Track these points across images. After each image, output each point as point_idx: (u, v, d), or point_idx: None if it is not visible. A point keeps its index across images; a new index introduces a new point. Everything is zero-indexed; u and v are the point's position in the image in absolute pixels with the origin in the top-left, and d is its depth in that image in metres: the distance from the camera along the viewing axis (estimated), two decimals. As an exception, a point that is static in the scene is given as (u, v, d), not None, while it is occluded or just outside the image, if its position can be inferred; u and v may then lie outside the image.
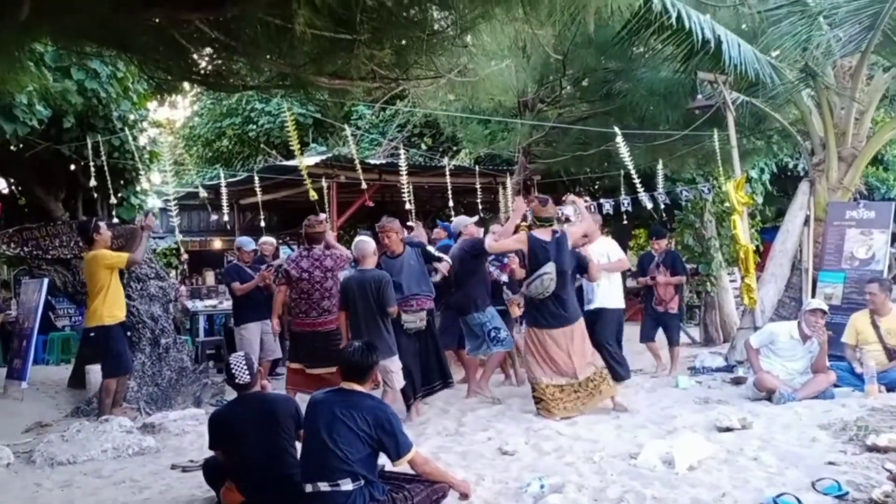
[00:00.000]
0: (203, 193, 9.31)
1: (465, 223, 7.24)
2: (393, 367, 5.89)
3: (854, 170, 8.35)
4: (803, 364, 6.21)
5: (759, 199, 13.83)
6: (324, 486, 3.48)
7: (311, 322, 6.38)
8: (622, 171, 9.20)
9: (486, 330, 6.66)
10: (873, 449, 4.33)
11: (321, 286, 6.38)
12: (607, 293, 7.04)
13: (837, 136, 8.27)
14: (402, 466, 3.77)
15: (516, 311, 7.24)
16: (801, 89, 8.45)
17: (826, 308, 6.26)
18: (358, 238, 6.44)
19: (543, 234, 6.01)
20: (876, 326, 6.47)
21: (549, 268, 5.80)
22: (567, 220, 7.19)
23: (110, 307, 6.39)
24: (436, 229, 8.56)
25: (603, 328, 6.85)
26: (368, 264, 6.04)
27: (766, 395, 6.06)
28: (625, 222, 9.13)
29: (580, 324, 6.06)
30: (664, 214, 10.64)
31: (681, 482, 3.99)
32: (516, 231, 6.33)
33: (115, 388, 6.45)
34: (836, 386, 6.10)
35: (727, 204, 8.78)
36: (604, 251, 7.13)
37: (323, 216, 7.06)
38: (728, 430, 5.06)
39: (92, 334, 6.52)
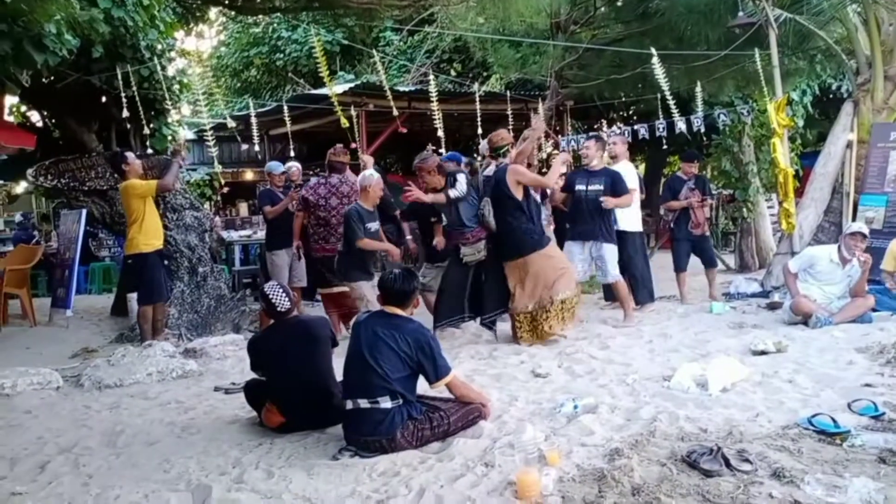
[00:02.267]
0: (231, 124, 9.28)
1: (481, 149, 7.28)
2: (363, 293, 5.97)
3: (901, 89, 8.02)
4: (841, 288, 6.11)
5: (800, 123, 13.38)
6: (363, 403, 3.58)
7: (330, 248, 6.66)
8: (658, 95, 8.92)
9: None
10: (912, 371, 4.29)
11: (338, 213, 6.59)
12: (625, 216, 7.06)
13: (884, 53, 7.92)
14: (439, 390, 3.86)
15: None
16: (847, 4, 8.06)
17: (867, 231, 6.12)
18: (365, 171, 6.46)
19: (491, 169, 6.07)
20: None
21: (484, 203, 5.92)
22: (614, 156, 7.11)
23: (147, 235, 6.51)
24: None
25: (625, 251, 6.92)
26: (364, 198, 6.14)
27: (802, 319, 6.00)
28: (664, 147, 8.89)
29: (537, 255, 5.90)
30: (703, 138, 10.37)
31: (714, 403, 4.01)
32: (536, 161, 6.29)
33: (153, 314, 6.62)
34: (874, 310, 6.01)
35: (766, 127, 8.53)
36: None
37: (353, 145, 7.11)
38: (763, 353, 5.05)
39: (130, 261, 6.68)
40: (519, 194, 5.88)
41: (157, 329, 6.66)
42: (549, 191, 6.87)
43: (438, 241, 6.19)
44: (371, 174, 6.24)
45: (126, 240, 6.69)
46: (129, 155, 6.71)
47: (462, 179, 6.05)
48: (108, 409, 4.90)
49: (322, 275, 6.89)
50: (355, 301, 6.20)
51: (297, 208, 7.10)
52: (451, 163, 7.22)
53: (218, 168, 8.47)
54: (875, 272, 6.51)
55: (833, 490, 2.76)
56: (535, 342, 5.93)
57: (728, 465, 3.02)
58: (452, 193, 5.99)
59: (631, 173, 7.25)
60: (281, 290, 4.18)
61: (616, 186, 6.55)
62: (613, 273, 6.58)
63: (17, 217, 14.64)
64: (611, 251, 6.57)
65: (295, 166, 8.45)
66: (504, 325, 6.38)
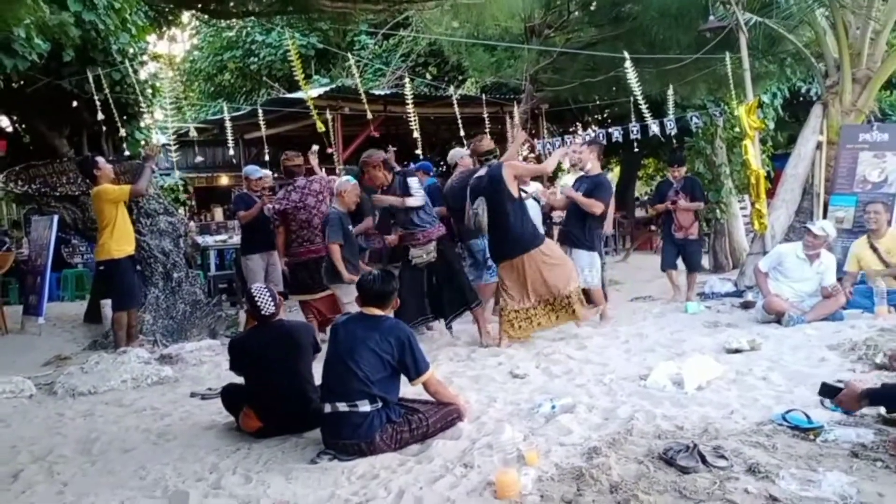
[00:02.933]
0: (193, 133, 9.22)
1: (460, 155, 7.32)
2: (345, 299, 5.92)
3: (868, 92, 8.18)
4: (812, 285, 6.22)
5: (771, 125, 13.61)
6: (342, 407, 3.57)
7: (316, 248, 6.58)
8: (631, 98, 9.03)
9: (483, 257, 6.76)
10: (882, 367, 4.38)
11: (318, 210, 6.60)
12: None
13: (852, 56, 8.07)
14: (417, 392, 3.87)
15: None
16: (815, 8, 8.21)
17: (816, 230, 6.18)
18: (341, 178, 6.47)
19: (482, 171, 5.98)
20: (875, 249, 6.47)
21: (478, 203, 5.75)
22: (583, 167, 7.16)
23: (119, 241, 6.44)
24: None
25: None
26: (339, 203, 6.13)
27: (775, 318, 6.09)
28: (636, 150, 8.99)
29: (533, 255, 5.85)
30: (675, 142, 10.50)
31: (690, 401, 4.06)
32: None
33: (127, 321, 6.55)
34: (845, 308, 6.11)
35: (738, 129, 8.65)
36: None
37: (329, 150, 7.12)
38: (737, 351, 5.12)
39: (102, 268, 6.62)
40: (515, 191, 5.86)
41: (132, 335, 6.59)
42: (543, 200, 6.97)
43: (391, 238, 6.15)
44: (347, 179, 6.26)
45: (97, 245, 6.60)
46: (100, 160, 6.64)
47: (415, 184, 5.95)
48: (83, 416, 4.84)
49: (304, 282, 6.73)
50: (336, 307, 6.19)
51: (275, 225, 7.00)
52: (420, 171, 7.26)
53: (177, 174, 8.41)
54: (840, 272, 6.62)
55: (807, 484, 2.80)
56: (520, 339, 5.93)
57: (704, 461, 3.05)
58: (411, 202, 5.89)
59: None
60: (267, 293, 4.15)
61: (594, 192, 6.60)
62: (587, 278, 6.57)
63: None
64: (583, 257, 6.60)
65: (266, 174, 8.41)
66: (471, 328, 6.38)
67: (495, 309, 7.37)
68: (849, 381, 3.67)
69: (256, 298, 4.11)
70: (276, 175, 9.23)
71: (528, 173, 6.08)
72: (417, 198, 5.91)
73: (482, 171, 5.97)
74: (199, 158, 14.44)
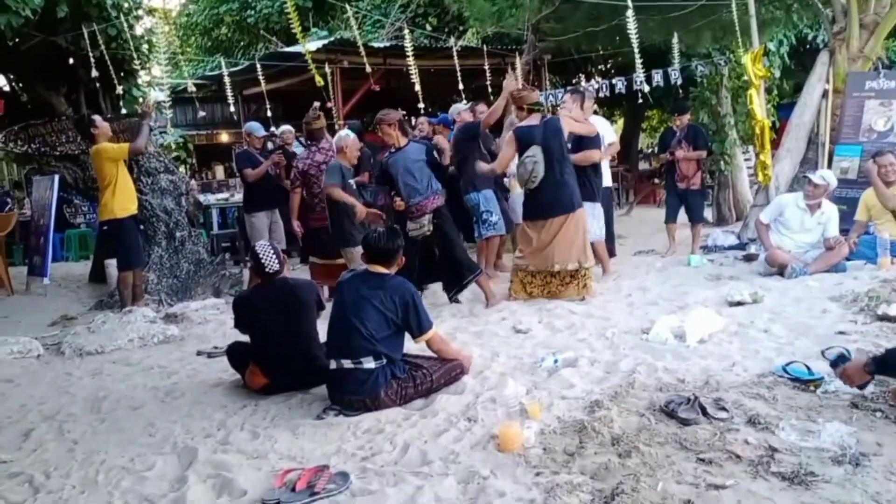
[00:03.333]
0: (192, 88, 9.11)
1: (458, 111, 7.32)
2: (352, 265, 5.88)
3: (876, 38, 8.02)
4: (814, 237, 6.20)
5: (777, 73, 13.39)
6: (347, 364, 3.60)
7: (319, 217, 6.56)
8: (636, 48, 8.87)
9: (479, 212, 6.72)
10: (884, 318, 4.38)
11: (318, 181, 6.53)
12: None
13: (860, 1, 7.90)
14: (421, 349, 3.90)
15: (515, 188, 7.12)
16: (824, -48, 8.01)
17: (821, 181, 6.13)
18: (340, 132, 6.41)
19: (531, 121, 5.67)
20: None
21: (534, 150, 5.47)
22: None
23: (121, 200, 6.39)
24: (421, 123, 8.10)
25: None
26: (342, 158, 6.11)
27: (777, 270, 6.09)
28: (640, 101, 8.87)
29: (575, 215, 5.68)
30: (680, 91, 10.35)
31: (691, 354, 4.09)
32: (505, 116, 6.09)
33: (133, 280, 6.56)
34: (847, 259, 6.10)
35: (744, 78, 8.51)
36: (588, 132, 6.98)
37: (329, 104, 7.05)
38: (739, 304, 5.13)
39: (105, 228, 6.59)
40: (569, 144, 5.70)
41: (137, 295, 6.62)
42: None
43: (398, 203, 6.05)
44: (347, 134, 6.20)
45: (99, 205, 6.58)
46: (97, 118, 6.56)
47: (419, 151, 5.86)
48: (91, 375, 4.90)
49: (325, 244, 6.63)
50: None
51: (293, 186, 6.91)
52: (441, 126, 7.20)
53: (171, 132, 8.36)
54: (849, 222, 6.60)
55: (807, 435, 2.84)
56: (546, 297, 5.80)
57: (705, 413, 3.09)
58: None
59: (606, 127, 7.21)
60: (271, 251, 4.15)
61: (582, 143, 6.46)
62: (597, 232, 6.52)
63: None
64: (585, 208, 6.54)
65: (289, 130, 8.35)
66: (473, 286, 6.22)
67: (498, 263, 7.40)
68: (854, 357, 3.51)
69: (261, 256, 4.11)
70: (272, 132, 9.17)
71: (582, 132, 6.01)
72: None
73: (534, 121, 5.65)
74: (201, 114, 14.34)
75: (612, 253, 7.34)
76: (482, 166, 6.09)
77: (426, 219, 5.81)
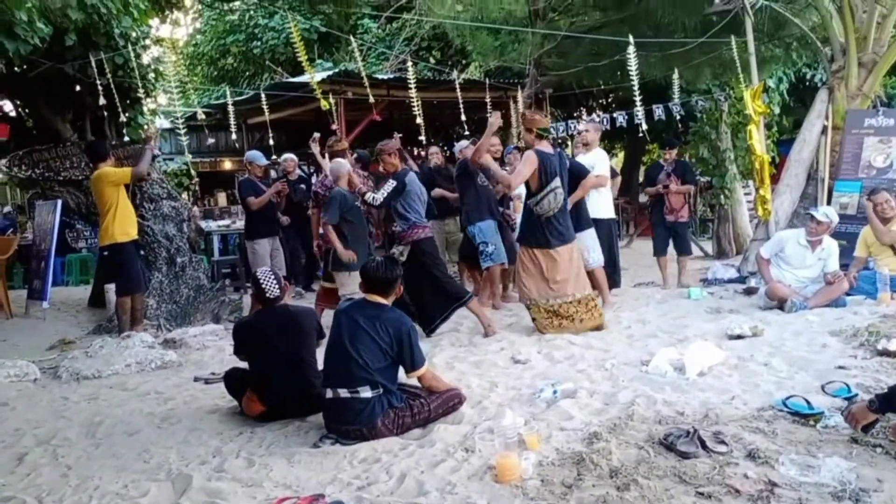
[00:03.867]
0: (201, 115, 9.21)
1: (463, 146, 7.44)
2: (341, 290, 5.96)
3: (874, 76, 8.13)
4: (814, 272, 6.21)
5: (776, 110, 13.54)
6: (344, 393, 3.59)
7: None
8: (636, 83, 8.98)
9: (476, 244, 6.82)
10: (884, 353, 4.37)
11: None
12: (597, 203, 7.06)
13: (858, 41, 8.02)
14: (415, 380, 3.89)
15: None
16: (822, -9, 8.14)
17: (820, 216, 6.15)
18: (334, 160, 6.49)
19: (547, 148, 5.71)
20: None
21: (557, 182, 5.56)
22: (587, 144, 7.12)
23: (122, 225, 6.41)
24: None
25: (599, 239, 6.91)
26: (341, 184, 6.19)
27: (777, 304, 6.09)
28: (640, 135, 8.92)
29: (577, 241, 5.90)
30: (679, 126, 10.45)
31: (691, 387, 4.07)
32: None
33: (131, 305, 6.55)
34: (848, 294, 6.10)
35: (744, 113, 8.60)
36: (591, 162, 7.08)
37: (316, 138, 7.19)
38: (739, 337, 5.12)
39: (105, 253, 6.59)
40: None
41: (136, 319, 6.60)
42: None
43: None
44: (339, 163, 6.31)
45: (100, 230, 6.59)
46: (104, 143, 6.62)
47: (388, 188, 5.82)
48: (87, 400, 4.87)
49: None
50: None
51: (313, 206, 7.12)
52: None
53: (188, 157, 8.42)
54: (848, 257, 6.62)
55: (807, 470, 2.81)
56: (576, 331, 5.71)
57: (704, 446, 3.06)
58: (368, 197, 5.88)
59: (603, 160, 7.24)
60: (272, 277, 4.18)
61: (597, 168, 6.78)
62: (593, 257, 6.57)
63: (6, 208, 14.45)
64: (589, 236, 6.58)
65: (291, 158, 8.48)
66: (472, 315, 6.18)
67: (506, 295, 7.41)
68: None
69: (262, 282, 4.13)
70: (274, 160, 9.28)
71: (484, 147, 6.03)
72: (378, 195, 5.86)
73: (550, 149, 5.69)
74: (210, 141, 14.46)
75: (616, 284, 7.39)
76: (499, 173, 6.14)
77: (400, 248, 5.93)
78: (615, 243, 7.61)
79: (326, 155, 7.27)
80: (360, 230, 6.24)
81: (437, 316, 5.96)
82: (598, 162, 7.09)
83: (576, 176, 6.42)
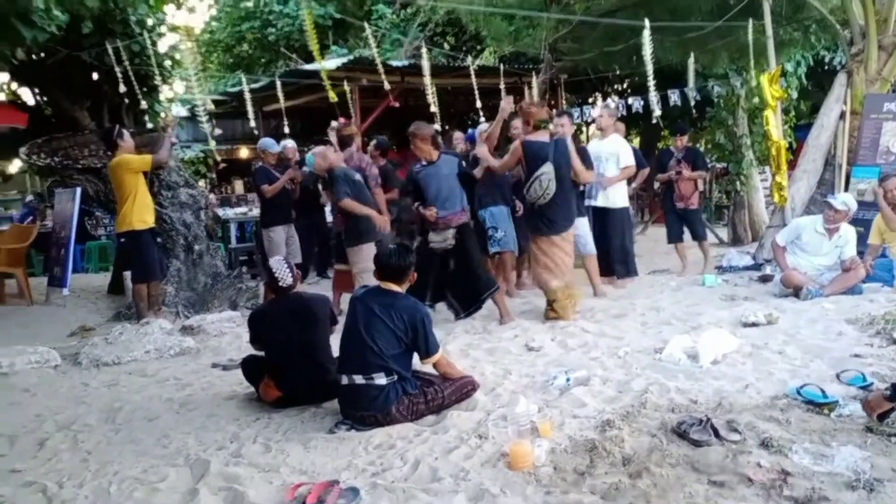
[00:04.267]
0: (210, 106, 9.23)
1: (483, 129, 7.35)
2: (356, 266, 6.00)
3: (894, 60, 7.99)
4: (831, 259, 6.17)
5: (794, 94, 13.34)
6: (359, 379, 3.62)
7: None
8: (650, 69, 8.90)
9: (485, 228, 6.77)
10: (900, 342, 4.35)
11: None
12: (613, 193, 7.11)
13: (878, 23, 7.89)
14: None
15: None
16: (842, -28, 8.02)
17: (837, 204, 6.09)
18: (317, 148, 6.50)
19: (540, 136, 5.75)
20: None
21: (547, 168, 5.58)
22: (602, 129, 7.09)
23: (140, 212, 6.45)
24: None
25: (612, 228, 7.11)
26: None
27: (793, 291, 6.05)
28: (654, 122, 8.86)
29: (574, 225, 5.99)
30: (695, 112, 10.36)
31: (705, 375, 4.07)
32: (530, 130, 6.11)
33: (148, 292, 6.62)
34: (864, 282, 6.05)
35: (760, 99, 8.50)
36: (613, 151, 7.11)
37: (342, 121, 7.20)
38: (754, 325, 5.11)
39: (122, 240, 6.65)
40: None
41: (154, 305, 6.67)
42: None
43: (431, 212, 6.05)
44: (322, 150, 6.36)
45: (117, 217, 6.63)
46: (125, 131, 6.64)
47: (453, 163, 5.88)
48: (107, 386, 4.95)
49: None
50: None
51: (323, 188, 7.13)
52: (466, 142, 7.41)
53: (212, 144, 8.46)
54: (862, 244, 6.56)
55: (820, 459, 2.82)
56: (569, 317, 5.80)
57: (717, 435, 3.07)
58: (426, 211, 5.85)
59: (626, 150, 7.23)
60: (285, 266, 4.23)
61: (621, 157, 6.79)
62: (590, 246, 6.71)
63: (28, 197, 14.60)
64: (582, 224, 6.60)
65: (291, 145, 8.49)
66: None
67: (519, 282, 7.43)
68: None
69: (275, 271, 4.18)
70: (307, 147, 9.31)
71: (494, 134, 6.19)
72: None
73: (544, 137, 5.74)
74: (217, 131, 14.51)
75: (632, 272, 7.43)
76: (485, 155, 6.20)
77: (450, 233, 5.85)
78: (629, 232, 7.58)
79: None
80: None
81: (470, 304, 5.96)
82: (623, 152, 7.10)
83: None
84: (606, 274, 7.27)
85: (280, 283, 4.17)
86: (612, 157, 7.11)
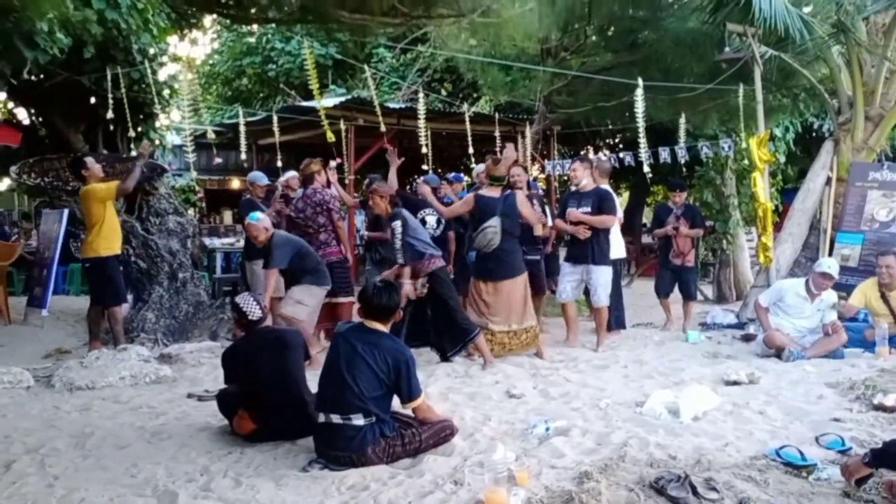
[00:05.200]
0: (211, 135, 9.30)
1: (480, 170, 7.49)
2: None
3: (880, 130, 8.19)
4: (813, 322, 6.20)
5: (782, 159, 13.63)
6: (336, 419, 3.57)
7: (326, 252, 6.64)
8: (642, 125, 9.07)
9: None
10: (880, 408, 4.35)
11: (314, 222, 6.67)
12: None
13: (866, 94, 8.09)
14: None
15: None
16: (831, 45, 8.23)
17: (833, 272, 6.17)
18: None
19: (492, 192, 6.19)
20: (886, 300, 6.30)
21: (494, 222, 5.99)
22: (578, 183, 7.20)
23: (107, 239, 6.50)
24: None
25: None
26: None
27: (775, 352, 6.07)
28: (648, 176, 8.99)
29: (521, 279, 6.21)
30: (685, 170, 10.52)
31: (685, 431, 4.05)
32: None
33: (110, 317, 6.61)
34: (845, 346, 6.09)
35: (748, 161, 8.66)
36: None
37: (337, 161, 7.22)
38: (735, 383, 5.10)
39: (87, 265, 6.71)
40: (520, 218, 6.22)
41: (95, 333, 6.62)
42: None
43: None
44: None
45: (84, 243, 6.70)
46: (89, 160, 6.71)
47: (398, 230, 5.84)
48: (79, 410, 4.86)
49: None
50: (333, 315, 6.26)
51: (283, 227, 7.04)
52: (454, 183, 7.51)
53: (193, 174, 8.49)
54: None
55: (796, 521, 2.79)
56: (505, 355, 6.13)
57: (695, 492, 3.04)
58: (399, 259, 5.90)
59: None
60: (252, 300, 4.21)
61: (602, 205, 6.57)
62: (604, 297, 6.62)
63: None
64: (603, 274, 6.57)
65: (291, 174, 8.50)
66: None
67: None
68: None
69: (241, 305, 4.17)
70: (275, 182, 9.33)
71: (529, 216, 6.43)
72: (395, 240, 5.89)
73: (496, 193, 6.18)
74: (217, 160, 14.57)
75: (622, 325, 7.46)
76: (427, 194, 6.65)
77: (420, 281, 5.94)
78: (619, 284, 7.62)
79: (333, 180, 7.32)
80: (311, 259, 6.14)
81: (451, 348, 6.08)
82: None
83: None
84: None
85: (249, 317, 4.14)
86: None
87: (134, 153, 8.10)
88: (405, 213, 6.03)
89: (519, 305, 6.18)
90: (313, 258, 6.16)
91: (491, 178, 6.26)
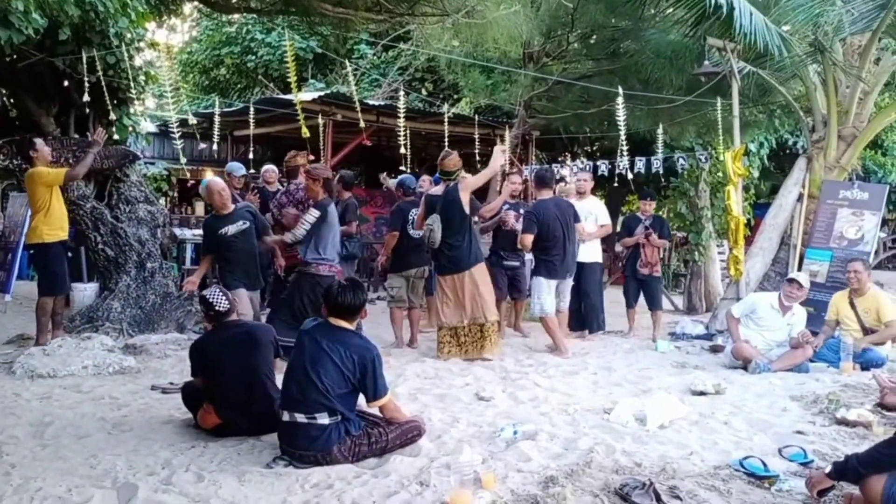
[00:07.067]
0: (193, 121, 9.15)
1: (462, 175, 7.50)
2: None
3: (852, 149, 8.33)
4: (781, 335, 6.28)
5: (756, 174, 13.80)
6: (300, 418, 3.53)
7: (294, 254, 6.52)
8: (622, 134, 9.13)
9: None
10: (842, 422, 4.42)
11: (296, 220, 6.47)
12: (588, 248, 7.51)
13: (840, 114, 8.23)
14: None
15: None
16: (808, 64, 8.36)
17: (803, 280, 6.27)
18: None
19: (438, 190, 6.42)
20: (853, 306, 6.50)
21: (432, 220, 6.19)
22: (562, 179, 7.35)
23: (51, 225, 6.25)
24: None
25: (586, 281, 7.48)
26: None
27: (742, 364, 6.14)
28: (616, 185, 9.06)
29: (475, 270, 6.29)
30: (661, 180, 10.61)
31: (651, 439, 4.07)
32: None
33: (53, 307, 6.33)
34: (811, 361, 6.18)
35: (723, 174, 8.76)
36: (591, 210, 7.66)
37: (310, 157, 7.17)
38: (702, 394, 5.15)
39: (31, 251, 6.51)
40: (468, 210, 6.29)
41: (57, 323, 6.41)
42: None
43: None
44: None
45: (28, 229, 6.46)
46: (38, 141, 6.50)
47: (310, 219, 5.75)
48: (39, 399, 4.76)
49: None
50: None
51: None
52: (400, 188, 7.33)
53: (183, 161, 8.35)
54: (815, 324, 6.71)
55: (757, 532, 2.82)
56: (458, 356, 6.24)
57: (659, 500, 3.06)
58: (289, 238, 5.90)
59: (603, 210, 7.87)
60: (219, 292, 4.16)
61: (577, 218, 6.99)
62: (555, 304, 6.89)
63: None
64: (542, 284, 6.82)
65: (271, 169, 8.43)
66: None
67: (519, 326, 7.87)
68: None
69: (209, 297, 4.12)
70: (253, 174, 9.25)
71: (478, 183, 6.54)
72: (296, 231, 5.82)
73: (439, 189, 6.41)
74: (201, 146, 14.34)
75: (600, 326, 7.75)
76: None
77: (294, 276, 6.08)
78: (601, 288, 7.93)
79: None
80: (244, 255, 6.05)
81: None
82: (600, 212, 7.77)
83: None
84: (578, 328, 7.67)
85: (217, 308, 4.08)
86: (590, 215, 7.62)
87: (116, 137, 7.94)
88: (331, 208, 5.93)
89: (469, 300, 6.25)
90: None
91: (441, 174, 6.47)
